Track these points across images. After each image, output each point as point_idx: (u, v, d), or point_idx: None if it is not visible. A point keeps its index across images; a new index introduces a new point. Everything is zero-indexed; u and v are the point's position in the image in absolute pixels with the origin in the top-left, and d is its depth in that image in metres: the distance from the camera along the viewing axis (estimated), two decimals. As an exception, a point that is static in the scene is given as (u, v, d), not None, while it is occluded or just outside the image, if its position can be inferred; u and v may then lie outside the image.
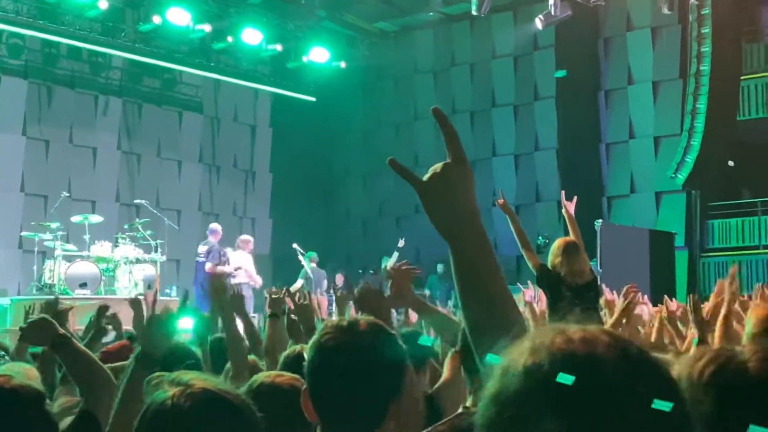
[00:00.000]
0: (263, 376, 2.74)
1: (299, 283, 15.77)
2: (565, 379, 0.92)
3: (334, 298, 6.83)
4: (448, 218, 1.67)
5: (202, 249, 15.10)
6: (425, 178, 1.69)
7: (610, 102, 21.26)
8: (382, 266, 17.32)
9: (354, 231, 23.91)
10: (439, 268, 19.19)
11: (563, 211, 6.08)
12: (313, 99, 22.82)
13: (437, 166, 1.73)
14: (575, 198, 6.17)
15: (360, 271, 19.85)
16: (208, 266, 14.43)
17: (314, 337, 2.09)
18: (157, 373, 2.63)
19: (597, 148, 21.21)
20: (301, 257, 16.29)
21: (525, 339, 1.02)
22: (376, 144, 23.70)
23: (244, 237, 16.21)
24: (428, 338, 3.51)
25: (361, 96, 24.00)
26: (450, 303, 14.25)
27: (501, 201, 6.28)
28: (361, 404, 1.94)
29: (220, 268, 14.25)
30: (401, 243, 17.67)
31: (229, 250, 15.39)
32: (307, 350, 2.09)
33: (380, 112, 23.84)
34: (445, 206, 1.68)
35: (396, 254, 17.35)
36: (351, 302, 4.30)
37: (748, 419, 1.15)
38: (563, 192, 6.19)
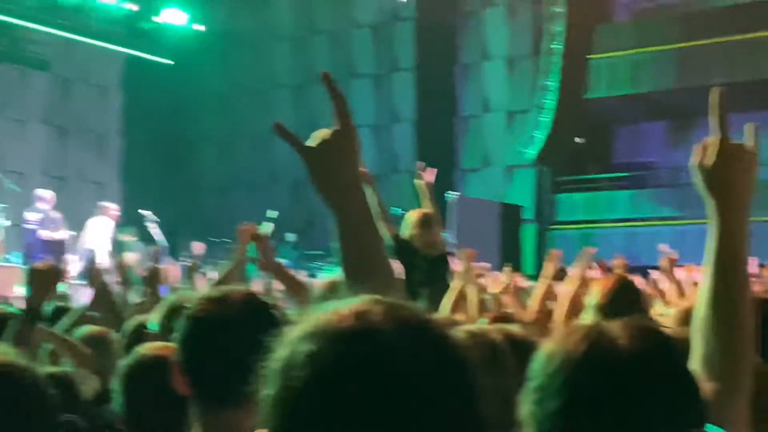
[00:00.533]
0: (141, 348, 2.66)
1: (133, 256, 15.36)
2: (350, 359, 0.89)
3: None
4: (335, 187, 1.60)
5: (31, 216, 14.41)
6: (310, 143, 1.62)
7: (466, 76, 21.65)
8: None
9: (209, 198, 23.52)
10: (290, 237, 19.12)
11: (420, 182, 6.13)
12: (170, 62, 22.21)
13: (325, 133, 1.66)
14: (434, 170, 6.24)
15: (213, 239, 19.54)
16: (44, 234, 13.89)
17: (187, 311, 2.03)
18: None
19: (452, 122, 21.60)
20: (151, 224, 15.87)
21: (299, 325, 0.96)
22: (234, 110, 23.35)
23: (106, 203, 15.67)
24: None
25: (220, 61, 23.51)
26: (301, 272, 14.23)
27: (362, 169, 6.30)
28: (235, 378, 1.90)
29: (48, 234, 13.76)
30: (273, 213, 17.48)
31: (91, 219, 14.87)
32: (152, 321, 2.03)
33: (238, 77, 23.46)
34: (332, 174, 1.61)
35: (271, 225, 17.23)
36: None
37: (620, 396, 1.19)
38: (421, 163, 6.24)
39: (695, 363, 1.56)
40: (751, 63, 19.16)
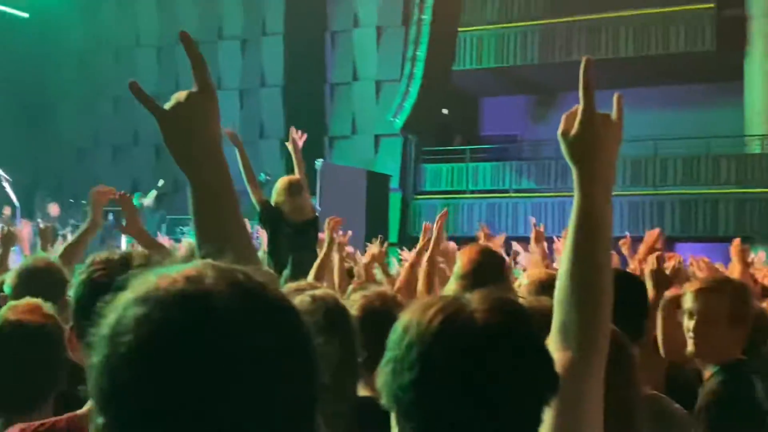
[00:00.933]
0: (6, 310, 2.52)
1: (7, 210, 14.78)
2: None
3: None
4: (191, 150, 1.54)
5: None
6: (167, 106, 1.57)
7: (336, 44, 21.60)
8: (137, 203, 16.74)
9: (67, 159, 22.70)
10: (152, 193, 18.71)
11: (289, 145, 6.09)
12: (26, 15, 21.21)
13: (181, 95, 1.59)
14: (305, 135, 6.22)
15: (71, 200, 18.92)
16: None
17: (82, 273, 1.91)
18: None
19: (322, 89, 21.53)
20: (5, 184, 15.21)
21: (129, 288, 0.92)
22: (95, 69, 22.55)
23: None
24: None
25: (80, 16, 22.61)
26: (161, 233, 13.95)
27: (228, 131, 6.22)
28: None
29: None
30: (161, 182, 17.09)
31: None
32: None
33: (100, 35, 22.63)
34: (189, 137, 1.55)
35: (154, 192, 16.86)
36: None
37: (472, 370, 1.20)
38: (293, 128, 6.21)
39: (554, 332, 1.56)
40: (612, 41, 19.88)
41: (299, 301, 2.40)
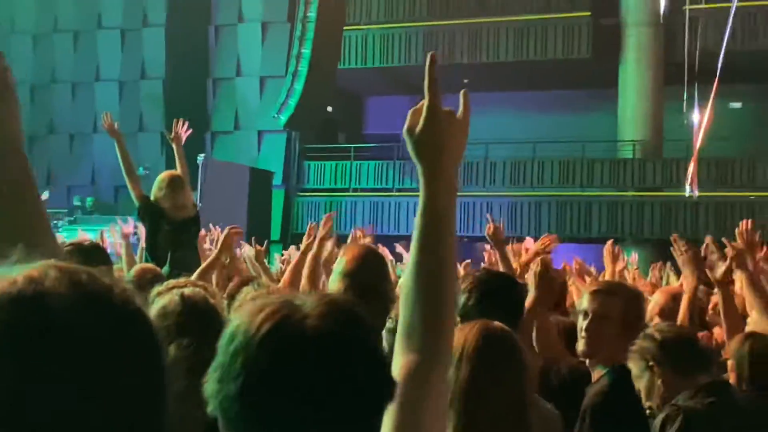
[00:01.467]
0: None
1: None
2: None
3: None
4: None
5: None
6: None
7: (219, 38, 21.33)
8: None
9: None
10: (89, 201, 18.25)
11: (171, 139, 5.98)
12: None
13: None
14: (189, 129, 6.12)
15: None
16: None
17: None
18: None
19: (204, 83, 21.23)
20: None
21: None
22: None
23: None
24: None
25: None
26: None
27: (107, 123, 6.06)
28: None
29: None
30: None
31: None
32: None
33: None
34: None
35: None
36: None
37: (301, 380, 1.12)
38: (176, 121, 6.10)
39: (399, 334, 1.50)
40: (492, 45, 20.29)
41: (168, 299, 2.37)
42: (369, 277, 3.07)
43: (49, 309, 0.85)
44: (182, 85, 20.29)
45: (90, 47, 21.36)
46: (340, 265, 3.17)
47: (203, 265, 4.45)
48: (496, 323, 2.20)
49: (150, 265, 4.57)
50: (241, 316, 1.20)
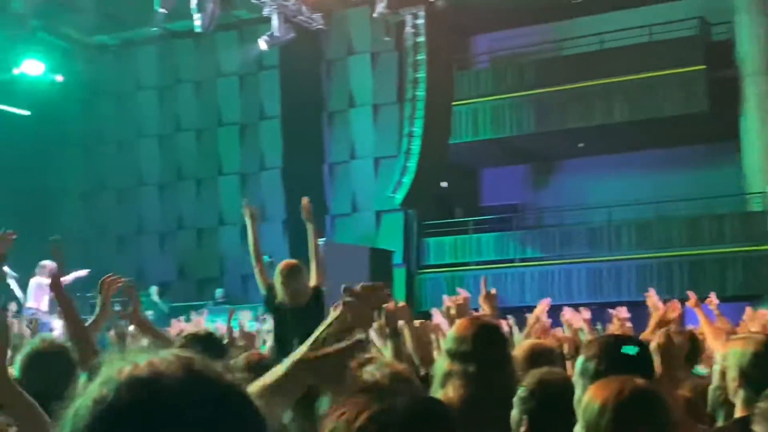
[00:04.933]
0: None
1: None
2: None
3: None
4: None
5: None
6: None
7: (332, 123, 21.85)
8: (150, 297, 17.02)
9: (73, 252, 22.72)
10: (152, 290, 18.76)
11: (306, 219, 6.16)
12: (27, 113, 21.51)
13: None
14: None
15: (78, 294, 18.89)
16: None
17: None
18: None
19: (320, 168, 21.71)
20: (11, 280, 15.21)
21: (99, 373, 1.01)
22: (97, 161, 22.78)
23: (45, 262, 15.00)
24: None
25: (81, 111, 22.93)
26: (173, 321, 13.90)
27: (249, 207, 6.32)
28: None
29: None
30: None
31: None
32: None
33: (101, 128, 22.93)
34: None
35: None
36: None
37: None
38: (305, 199, 6.31)
39: None
40: (605, 107, 20.06)
41: None
42: (484, 354, 3.02)
43: (162, 390, 0.92)
44: (299, 173, 20.79)
45: (212, 143, 22.21)
46: (447, 341, 3.14)
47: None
48: (639, 380, 2.17)
49: (258, 351, 4.65)
50: (337, 413, 1.30)
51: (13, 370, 3.17)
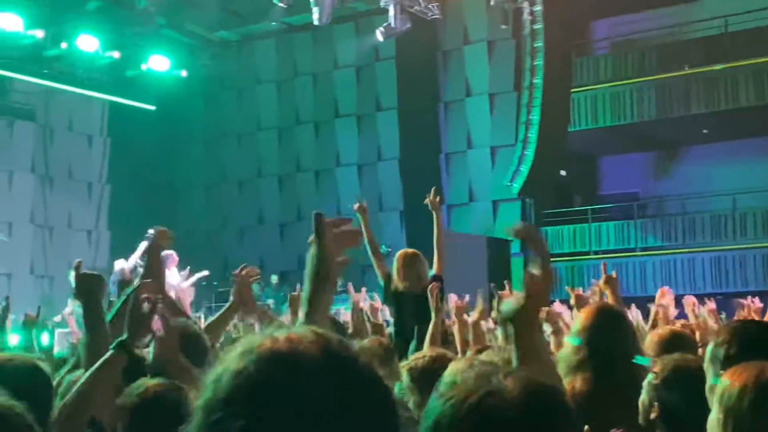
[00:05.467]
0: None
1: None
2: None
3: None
4: None
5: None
6: None
7: (449, 113, 21.81)
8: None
9: (197, 243, 23.47)
10: (274, 278, 19.17)
11: (432, 208, 6.21)
12: (153, 108, 22.30)
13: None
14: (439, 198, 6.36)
15: (203, 283, 19.51)
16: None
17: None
18: None
19: (437, 158, 21.71)
20: None
21: (236, 344, 1.04)
22: (219, 154, 23.41)
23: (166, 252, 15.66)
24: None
25: (203, 105, 23.64)
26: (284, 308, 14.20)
27: (357, 206, 6.40)
28: None
29: None
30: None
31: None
32: None
33: (223, 122, 23.56)
34: None
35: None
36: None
37: None
38: (433, 190, 6.38)
39: None
40: (731, 92, 19.37)
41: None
42: (605, 340, 3.01)
43: (300, 369, 0.95)
44: (416, 163, 20.86)
45: (329, 134, 22.51)
46: (575, 325, 3.14)
47: (428, 332, 4.51)
48: None
49: (380, 338, 4.69)
50: (453, 388, 1.26)
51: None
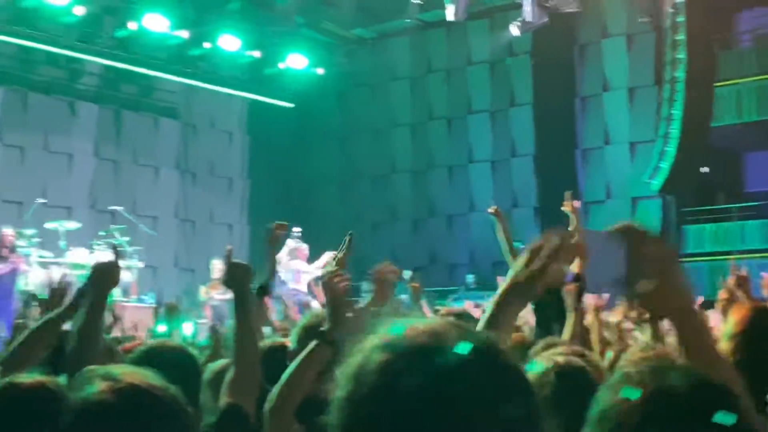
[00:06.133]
0: None
1: None
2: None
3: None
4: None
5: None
6: None
7: (585, 108, 21.41)
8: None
9: (332, 239, 23.82)
10: (407, 274, 19.24)
11: (568, 209, 6.11)
12: (291, 105, 22.81)
13: None
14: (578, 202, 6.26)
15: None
16: None
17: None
18: (90, 367, 2.64)
19: (573, 154, 21.34)
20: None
21: (373, 336, 1.03)
22: (353, 151, 23.73)
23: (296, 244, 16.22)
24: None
25: (338, 102, 24.02)
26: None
27: (492, 209, 6.38)
28: None
29: None
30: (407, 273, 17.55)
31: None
32: None
33: (357, 118, 23.86)
34: None
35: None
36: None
37: None
38: (568, 193, 6.29)
39: None
40: None
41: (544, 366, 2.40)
42: (758, 342, 2.90)
43: (446, 362, 0.94)
44: (551, 159, 20.58)
45: (462, 131, 22.47)
46: (728, 326, 3.05)
47: (567, 327, 4.43)
48: None
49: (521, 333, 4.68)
50: (608, 388, 1.27)
51: (290, 342, 3.44)
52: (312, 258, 14.73)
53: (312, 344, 2.78)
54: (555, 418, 2.22)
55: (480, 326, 1.65)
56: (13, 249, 14.01)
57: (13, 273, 13.87)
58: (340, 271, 3.09)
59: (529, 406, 0.99)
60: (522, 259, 1.72)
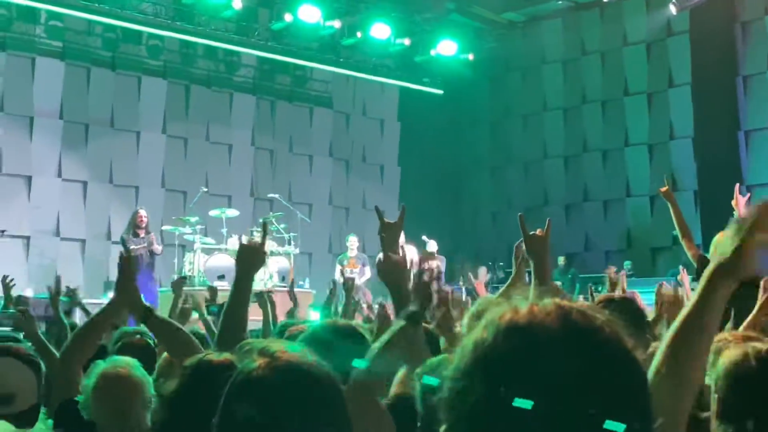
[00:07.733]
0: None
1: None
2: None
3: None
4: None
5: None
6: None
7: (748, 88, 20.45)
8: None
9: (483, 224, 23.82)
10: (560, 260, 19.03)
11: (736, 204, 5.84)
12: (441, 92, 22.85)
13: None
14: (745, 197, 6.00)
15: (490, 263, 19.83)
16: None
17: None
18: (247, 341, 2.81)
19: (735, 136, 20.43)
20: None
21: (486, 316, 1.06)
22: (504, 136, 23.56)
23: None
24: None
25: (489, 88, 23.87)
26: (575, 294, 13.99)
27: (664, 189, 6.24)
28: None
29: None
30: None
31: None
32: None
33: (508, 103, 23.67)
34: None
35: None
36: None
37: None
38: (738, 186, 6.08)
39: None
40: None
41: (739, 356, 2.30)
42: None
43: (538, 338, 0.95)
44: (712, 141, 19.79)
45: (618, 114, 21.91)
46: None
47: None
48: None
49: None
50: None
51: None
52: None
53: (400, 323, 2.83)
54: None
55: (684, 312, 1.63)
56: (147, 229, 14.83)
57: (149, 252, 14.72)
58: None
59: (632, 389, 0.99)
60: (730, 232, 1.66)
